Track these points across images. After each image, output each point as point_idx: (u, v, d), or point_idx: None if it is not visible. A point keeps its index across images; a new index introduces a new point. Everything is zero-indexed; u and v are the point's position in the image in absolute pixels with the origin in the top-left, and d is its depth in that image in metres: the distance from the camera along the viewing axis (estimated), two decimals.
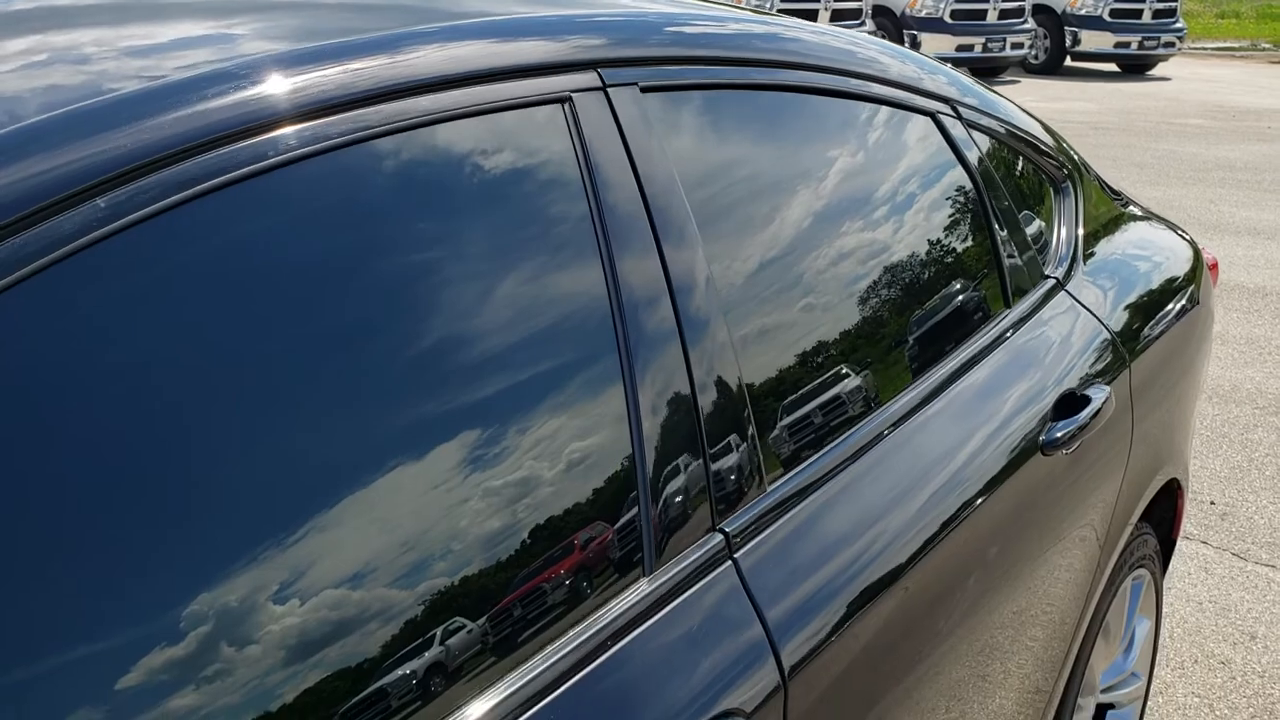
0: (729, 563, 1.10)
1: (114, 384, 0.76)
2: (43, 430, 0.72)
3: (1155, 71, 16.65)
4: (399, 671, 0.84)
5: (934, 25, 14.34)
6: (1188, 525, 3.60)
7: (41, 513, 0.71)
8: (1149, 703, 2.63)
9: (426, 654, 0.86)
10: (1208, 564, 3.41)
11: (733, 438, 1.14)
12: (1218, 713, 2.74)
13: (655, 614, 1.02)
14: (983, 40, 14.47)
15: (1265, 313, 5.71)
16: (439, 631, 0.87)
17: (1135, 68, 16.42)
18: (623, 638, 0.99)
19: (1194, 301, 2.22)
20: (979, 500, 1.41)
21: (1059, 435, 1.58)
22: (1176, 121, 11.99)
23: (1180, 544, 3.46)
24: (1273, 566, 3.39)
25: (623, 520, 1.03)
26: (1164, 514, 2.29)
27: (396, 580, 0.85)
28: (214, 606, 0.76)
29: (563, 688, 0.93)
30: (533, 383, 0.99)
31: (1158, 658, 2.64)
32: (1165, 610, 3.04)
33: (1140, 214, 2.38)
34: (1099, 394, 1.69)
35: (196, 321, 0.81)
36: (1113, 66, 16.56)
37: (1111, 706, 2.30)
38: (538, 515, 0.96)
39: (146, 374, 0.77)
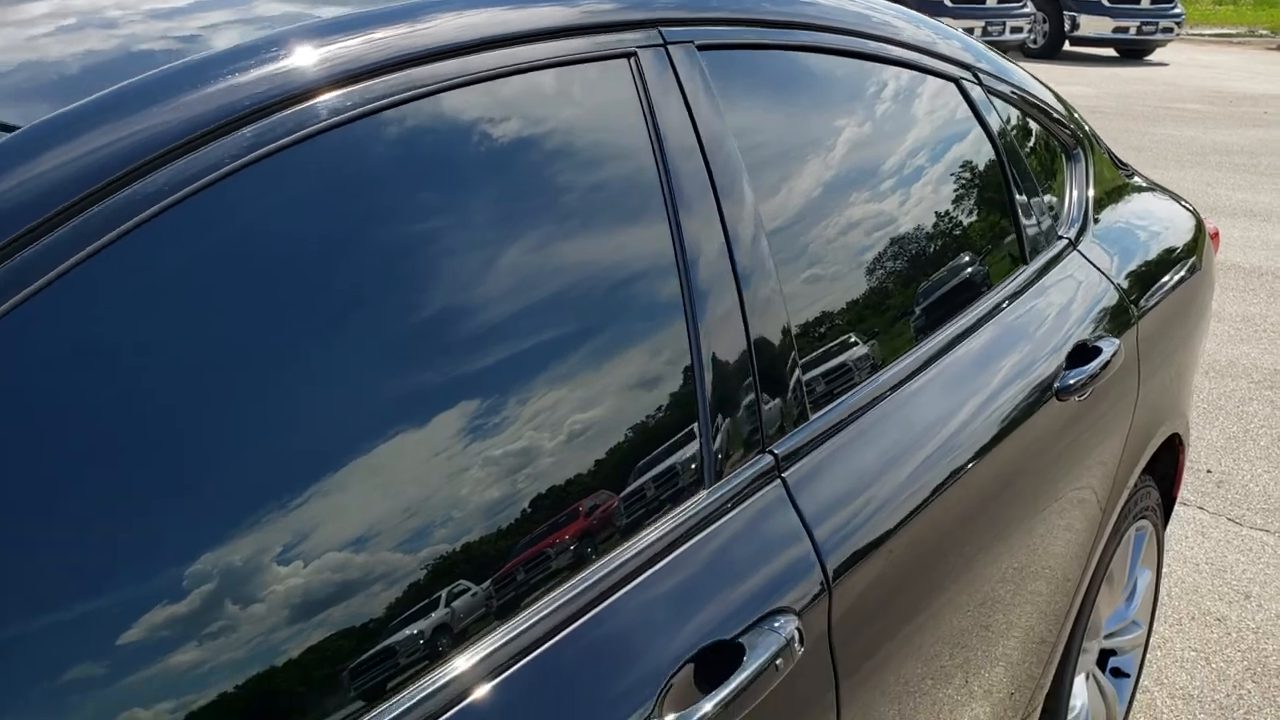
0: (778, 480, 1.20)
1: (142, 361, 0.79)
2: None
3: (1153, 57, 16.74)
4: (503, 561, 0.94)
5: (933, 8, 14.39)
6: (1186, 492, 3.72)
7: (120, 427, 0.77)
8: (1149, 654, 2.74)
9: (530, 546, 0.97)
10: (1204, 528, 3.52)
11: (780, 371, 1.24)
12: (1214, 666, 2.85)
13: (715, 521, 1.12)
14: (982, 24, 14.54)
15: (1260, 291, 5.83)
16: (544, 528, 0.98)
17: (1133, 53, 16.52)
18: (686, 541, 1.09)
19: (1196, 267, 2.32)
20: (999, 440, 1.52)
21: (1072, 382, 1.69)
22: (1174, 106, 12.09)
23: (1178, 509, 3.58)
24: (1267, 531, 3.51)
25: (686, 439, 1.13)
26: (1165, 470, 2.39)
27: (513, 476, 0.96)
28: (284, 540, 0.82)
29: (633, 583, 1.03)
30: (607, 322, 1.09)
31: (1157, 612, 2.75)
32: (1164, 571, 3.16)
33: (1145, 185, 2.49)
34: (1109, 346, 1.79)
35: (255, 286, 0.86)
36: (1111, 51, 16.65)
37: (1113, 653, 2.41)
38: (613, 435, 1.06)
39: (181, 345, 0.81)
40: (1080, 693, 2.20)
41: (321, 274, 0.90)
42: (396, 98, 0.97)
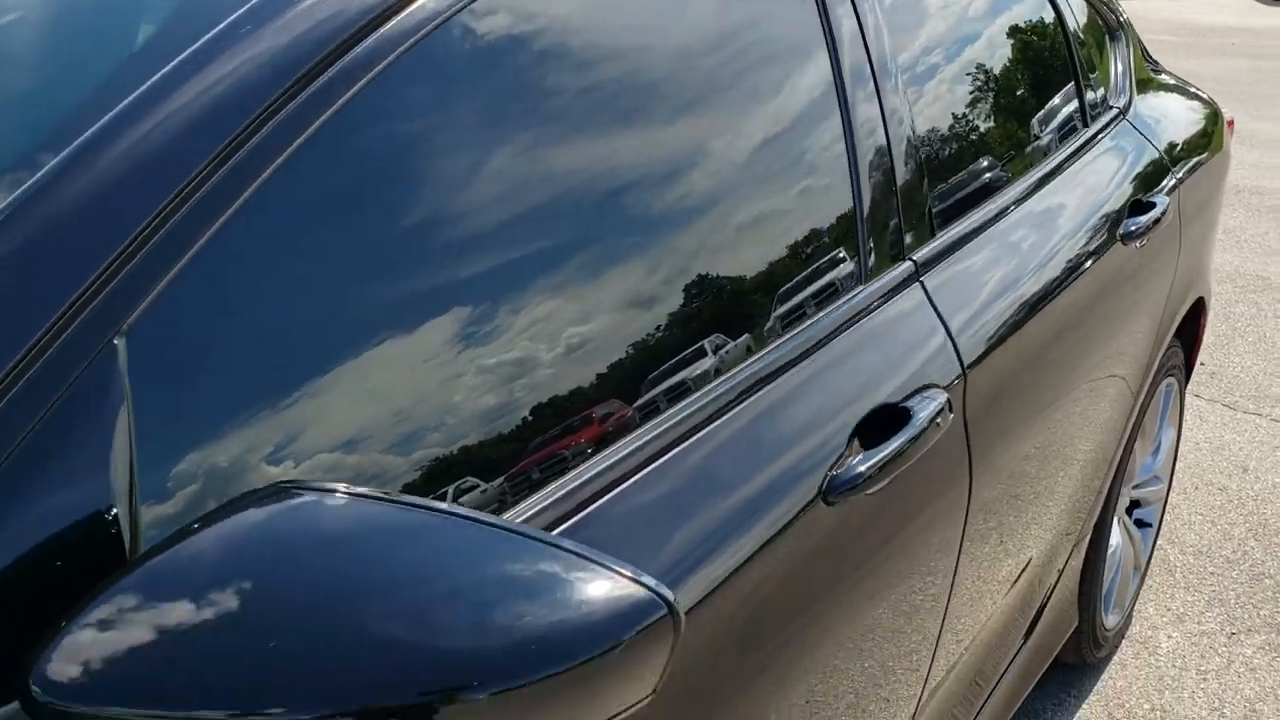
0: (918, 283, 1.38)
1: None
2: None
3: None
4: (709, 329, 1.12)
5: None
6: None
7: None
8: (1166, 517, 2.97)
9: (753, 316, 1.14)
10: (1201, 413, 3.76)
11: (916, 195, 1.42)
12: (1219, 527, 3.09)
13: (872, 311, 1.30)
14: None
15: (1239, 207, 6.07)
16: (754, 306, 1.15)
17: None
18: (856, 322, 1.27)
19: (1218, 147, 2.52)
20: (1079, 270, 1.71)
21: (1133, 229, 1.88)
22: (1144, 38, 12.14)
23: None
24: (1259, 415, 3.76)
25: (848, 243, 1.31)
26: (1187, 337, 2.60)
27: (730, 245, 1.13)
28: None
29: (818, 351, 1.21)
30: (788, 160, 1.27)
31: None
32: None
33: (1168, 76, 2.68)
34: (1162, 201, 1.99)
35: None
36: None
37: (1138, 504, 2.64)
38: (795, 241, 1.25)
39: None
40: (1116, 533, 2.42)
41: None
42: None
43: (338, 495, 0.62)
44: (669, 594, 0.60)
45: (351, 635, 0.56)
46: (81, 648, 0.56)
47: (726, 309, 1.14)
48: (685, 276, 1.10)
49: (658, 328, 1.06)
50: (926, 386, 1.30)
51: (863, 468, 1.15)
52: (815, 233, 1.27)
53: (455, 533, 0.59)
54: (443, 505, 0.62)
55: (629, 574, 0.60)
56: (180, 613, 0.56)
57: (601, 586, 0.59)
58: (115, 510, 0.66)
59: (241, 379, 0.74)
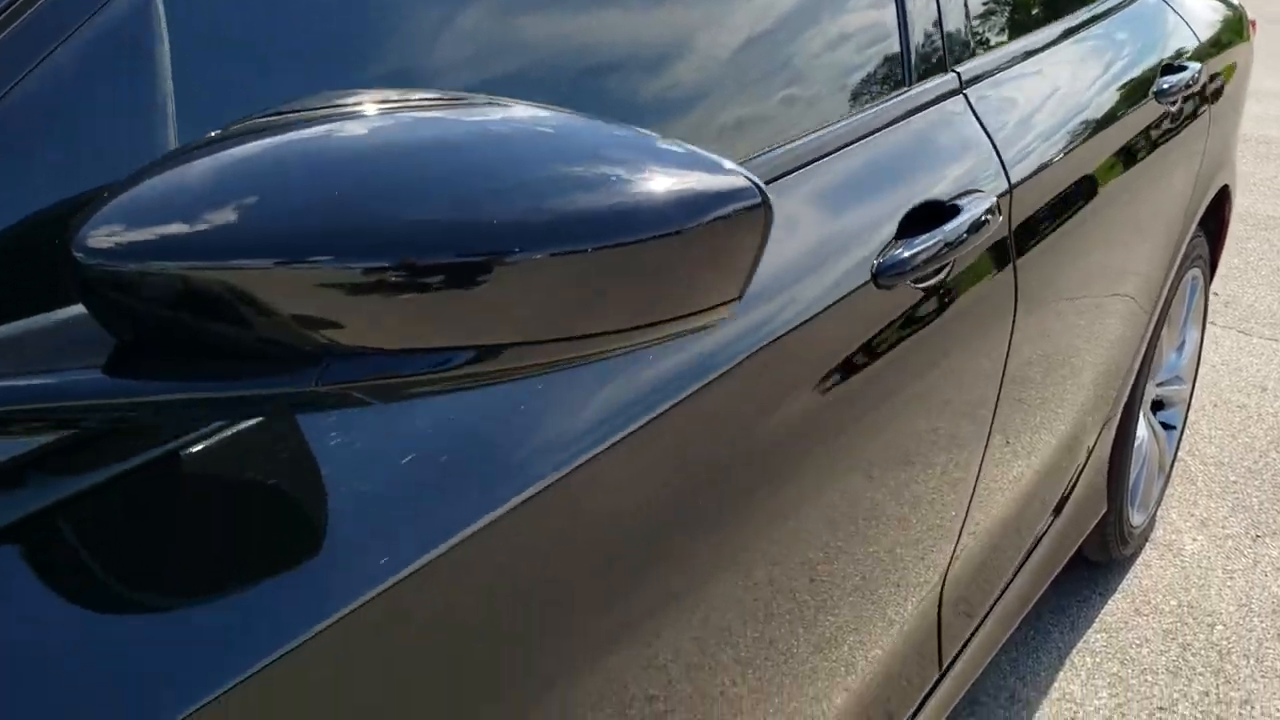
0: (961, 95, 1.34)
1: None
2: None
3: None
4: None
5: None
6: None
7: None
8: (1185, 432, 2.93)
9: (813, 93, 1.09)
10: (1217, 338, 3.72)
11: (956, 16, 1.38)
12: (1240, 441, 3.05)
13: (918, 113, 1.26)
14: None
15: (1247, 154, 6.04)
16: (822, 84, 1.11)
17: None
18: (901, 121, 1.23)
19: (1245, 37, 2.47)
20: (1117, 115, 1.67)
21: (1167, 87, 1.83)
22: None
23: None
24: (1275, 340, 3.71)
25: (895, 44, 1.26)
26: (1212, 231, 2.56)
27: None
28: None
29: (862, 140, 1.16)
30: None
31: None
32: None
33: None
34: (1193, 65, 1.94)
35: None
36: None
37: (1162, 406, 2.59)
38: (853, 38, 1.20)
39: None
40: (1142, 427, 2.37)
41: None
42: None
43: (377, 98, 0.57)
44: (759, 182, 0.55)
45: (395, 202, 0.50)
46: (122, 214, 0.51)
47: (765, 98, 1.09)
48: (728, 62, 1.05)
49: (701, 104, 1.01)
50: (974, 190, 1.25)
51: (910, 253, 1.10)
52: (859, 38, 1.22)
53: (505, 130, 0.54)
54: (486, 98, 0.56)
55: (716, 159, 0.55)
56: (224, 179, 0.51)
57: (681, 168, 0.54)
58: (158, 120, 0.61)
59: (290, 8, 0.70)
